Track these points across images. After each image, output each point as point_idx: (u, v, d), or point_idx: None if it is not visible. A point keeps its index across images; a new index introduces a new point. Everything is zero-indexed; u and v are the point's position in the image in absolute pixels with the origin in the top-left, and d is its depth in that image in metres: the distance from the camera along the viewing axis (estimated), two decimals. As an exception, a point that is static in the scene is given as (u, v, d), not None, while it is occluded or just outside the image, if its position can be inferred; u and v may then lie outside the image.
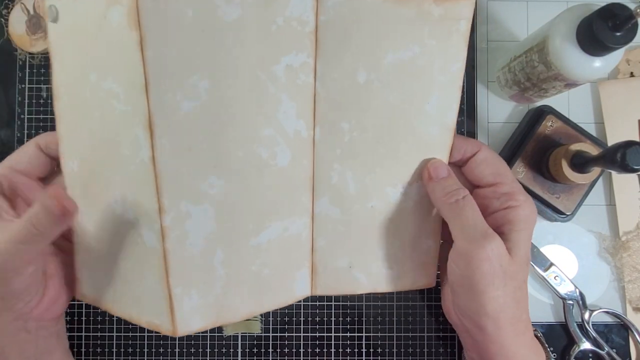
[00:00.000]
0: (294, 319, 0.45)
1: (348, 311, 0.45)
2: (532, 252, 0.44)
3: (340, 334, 0.45)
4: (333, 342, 0.45)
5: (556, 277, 0.44)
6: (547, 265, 0.44)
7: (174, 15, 0.29)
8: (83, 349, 0.44)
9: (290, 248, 0.36)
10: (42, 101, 0.45)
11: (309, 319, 0.45)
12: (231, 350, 0.44)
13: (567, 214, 0.43)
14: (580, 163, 0.39)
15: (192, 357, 0.44)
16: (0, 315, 0.33)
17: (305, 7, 0.32)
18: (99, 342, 0.44)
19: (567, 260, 0.46)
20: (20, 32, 0.45)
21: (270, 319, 0.45)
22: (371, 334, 0.45)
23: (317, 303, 0.45)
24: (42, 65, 0.45)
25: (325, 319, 0.45)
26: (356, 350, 0.45)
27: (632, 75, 0.46)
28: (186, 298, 0.32)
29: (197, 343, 0.44)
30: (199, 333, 0.44)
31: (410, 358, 0.45)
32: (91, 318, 0.44)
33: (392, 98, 0.34)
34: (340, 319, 0.45)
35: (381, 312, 0.45)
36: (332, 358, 0.45)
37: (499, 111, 0.46)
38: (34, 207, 0.32)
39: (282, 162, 0.34)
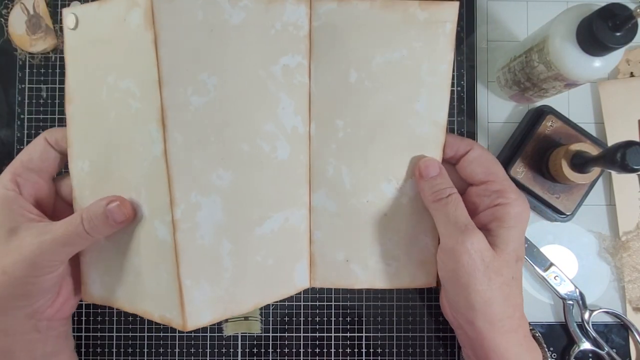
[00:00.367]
0: (294, 319, 0.45)
1: (348, 311, 0.45)
2: (532, 252, 0.44)
3: (340, 334, 0.45)
4: (333, 342, 0.45)
5: (556, 277, 0.44)
6: (547, 265, 0.44)
7: (186, 16, 0.31)
8: (83, 349, 0.44)
9: (291, 239, 0.37)
10: (42, 101, 0.45)
11: (309, 319, 0.45)
12: (231, 350, 0.44)
13: (567, 214, 0.43)
14: (580, 163, 0.39)
15: (192, 357, 0.44)
16: (14, 314, 0.33)
17: (300, 13, 0.35)
18: (99, 342, 0.44)
19: (567, 260, 0.46)
20: (20, 32, 0.45)
21: (270, 319, 0.45)
22: (371, 334, 0.45)
23: (317, 303, 0.45)
24: (42, 65, 0.45)
25: (325, 319, 0.45)
26: (356, 350, 0.45)
27: (632, 75, 0.46)
28: (196, 290, 0.33)
29: (197, 343, 0.44)
30: (199, 333, 0.44)
31: (410, 358, 0.45)
32: (91, 318, 0.44)
33: (383, 97, 0.36)
34: (340, 319, 0.45)
35: (381, 312, 0.45)
36: (332, 358, 0.45)
37: (499, 111, 0.46)
38: (89, 211, 0.33)
39: (282, 156, 0.36)
